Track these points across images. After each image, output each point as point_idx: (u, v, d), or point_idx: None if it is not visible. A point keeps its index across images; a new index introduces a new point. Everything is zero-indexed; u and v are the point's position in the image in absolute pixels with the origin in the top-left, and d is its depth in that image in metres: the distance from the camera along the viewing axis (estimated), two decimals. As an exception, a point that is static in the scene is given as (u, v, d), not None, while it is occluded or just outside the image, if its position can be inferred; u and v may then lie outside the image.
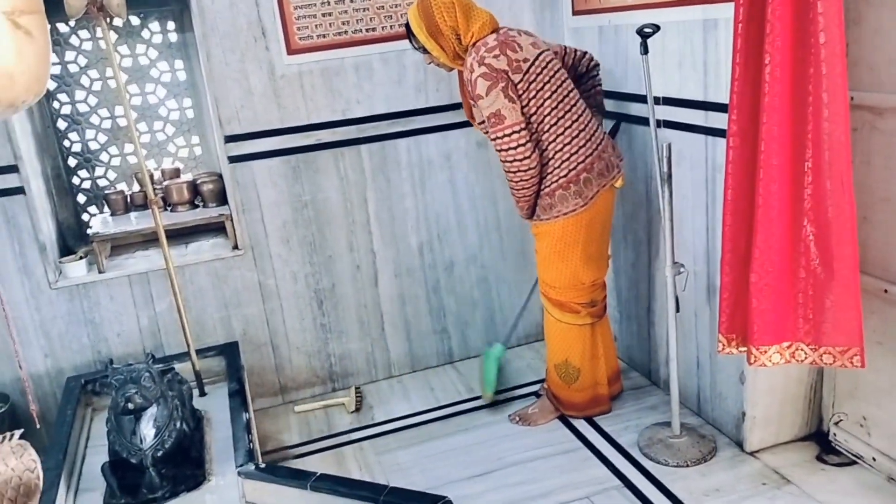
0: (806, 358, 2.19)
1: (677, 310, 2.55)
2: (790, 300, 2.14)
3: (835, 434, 2.56)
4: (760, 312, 2.15)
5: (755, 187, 2.08)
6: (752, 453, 2.58)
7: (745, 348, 2.28)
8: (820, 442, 2.60)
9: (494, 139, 2.56)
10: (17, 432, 1.39)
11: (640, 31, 2.35)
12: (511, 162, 2.56)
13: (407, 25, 2.66)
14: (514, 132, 2.52)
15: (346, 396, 3.28)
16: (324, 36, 3.02)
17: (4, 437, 1.36)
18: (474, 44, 2.56)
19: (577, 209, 2.60)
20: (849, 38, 2.09)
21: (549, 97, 2.55)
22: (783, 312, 2.15)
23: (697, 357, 2.77)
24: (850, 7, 2.11)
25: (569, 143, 2.57)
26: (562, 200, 2.61)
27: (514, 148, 2.53)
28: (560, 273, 2.72)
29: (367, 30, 3.06)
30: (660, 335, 3.01)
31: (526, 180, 2.60)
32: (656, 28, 2.35)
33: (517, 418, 2.96)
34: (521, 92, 2.53)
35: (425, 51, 2.65)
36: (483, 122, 2.61)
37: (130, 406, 2.22)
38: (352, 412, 3.19)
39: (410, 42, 2.70)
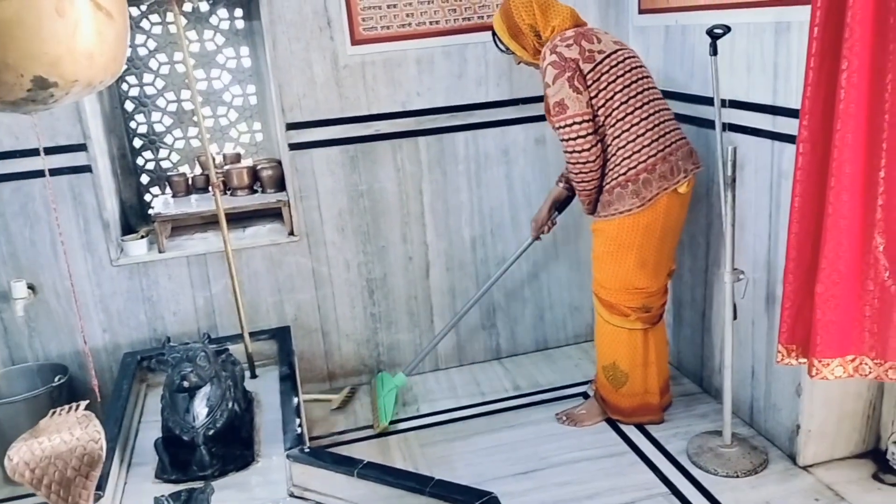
0: (870, 372, 2.12)
1: (735, 317, 2.50)
2: (856, 312, 2.08)
3: (893, 452, 2.48)
4: (825, 324, 2.09)
5: (825, 195, 2.02)
6: (805, 467, 2.52)
7: (805, 360, 2.23)
8: (877, 460, 2.53)
9: (557, 128, 2.57)
10: (83, 403, 1.43)
11: (710, 32, 2.31)
12: (571, 153, 2.57)
13: (493, 30, 2.73)
14: (575, 122, 2.51)
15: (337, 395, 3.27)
16: (388, 28, 3.04)
17: (70, 408, 1.41)
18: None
19: (633, 209, 2.55)
20: (932, 45, 2.01)
21: (620, 91, 2.51)
22: (848, 325, 2.09)
23: (752, 366, 2.71)
24: (934, 13, 2.04)
25: (633, 140, 2.53)
26: (619, 199, 2.57)
27: (575, 139, 2.53)
28: (612, 274, 2.68)
29: (430, 22, 3.07)
30: (714, 342, 2.96)
31: (585, 172, 2.59)
32: (727, 29, 2.30)
33: (564, 417, 2.94)
34: (590, 83, 2.51)
35: (511, 51, 2.71)
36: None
37: (185, 384, 2.27)
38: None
39: (497, 46, 2.78)
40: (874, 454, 2.55)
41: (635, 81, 2.54)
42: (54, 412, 1.51)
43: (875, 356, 2.11)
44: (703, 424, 2.82)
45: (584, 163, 2.55)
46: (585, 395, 3.12)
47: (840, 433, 2.53)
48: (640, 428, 2.85)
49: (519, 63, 2.79)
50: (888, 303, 2.04)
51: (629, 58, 2.56)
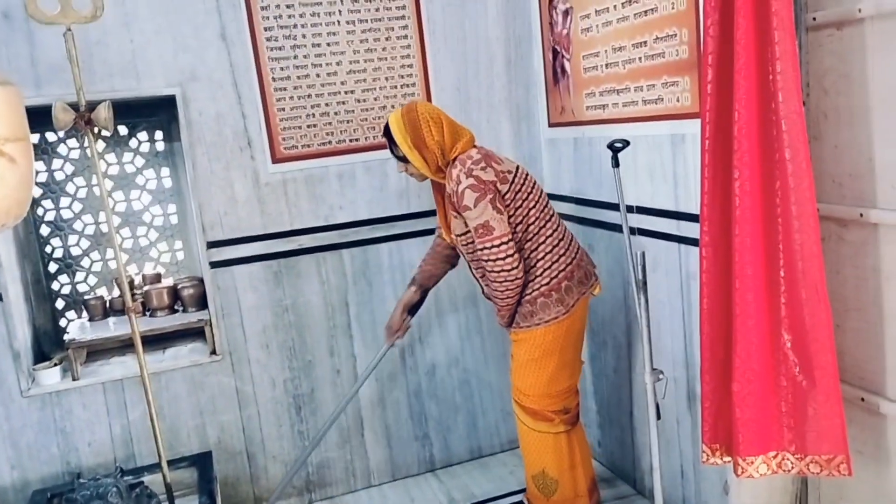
0: (793, 468, 2.15)
1: (658, 417, 2.52)
2: (773, 409, 2.13)
3: (824, 546, 2.50)
4: (744, 422, 2.13)
5: (731, 297, 2.11)
6: (741, 568, 2.51)
7: (729, 458, 2.25)
8: (810, 555, 2.53)
9: (482, 249, 2.54)
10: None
11: (610, 146, 2.44)
12: (499, 272, 2.54)
13: (387, 132, 2.61)
14: (502, 243, 2.51)
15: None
16: (308, 146, 3.11)
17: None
18: (455, 158, 2.58)
19: (558, 317, 2.60)
20: (811, 154, 2.17)
21: (533, 207, 2.60)
22: (767, 421, 2.13)
23: (681, 466, 2.72)
24: (810, 125, 2.21)
25: (550, 251, 2.60)
26: (543, 308, 2.61)
27: (503, 258, 2.52)
28: (536, 380, 2.69)
29: (350, 140, 3.15)
30: (643, 442, 2.97)
31: (511, 290, 2.59)
32: (626, 143, 2.43)
33: None
34: (507, 202, 2.55)
35: (403, 160, 2.63)
36: (464, 233, 2.63)
37: (96, 524, 2.14)
38: None
39: (391, 149, 2.66)
40: (806, 548, 2.56)
41: (540, 196, 2.65)
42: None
43: (795, 451, 2.15)
44: (639, 528, 2.79)
45: (511, 280, 2.56)
46: (521, 505, 3.06)
47: (771, 529, 2.54)
48: (578, 536, 2.80)
49: (403, 171, 2.70)
50: (801, 398, 2.10)
51: (527, 174, 2.67)
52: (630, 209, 2.70)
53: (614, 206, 2.87)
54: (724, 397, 2.20)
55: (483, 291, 2.80)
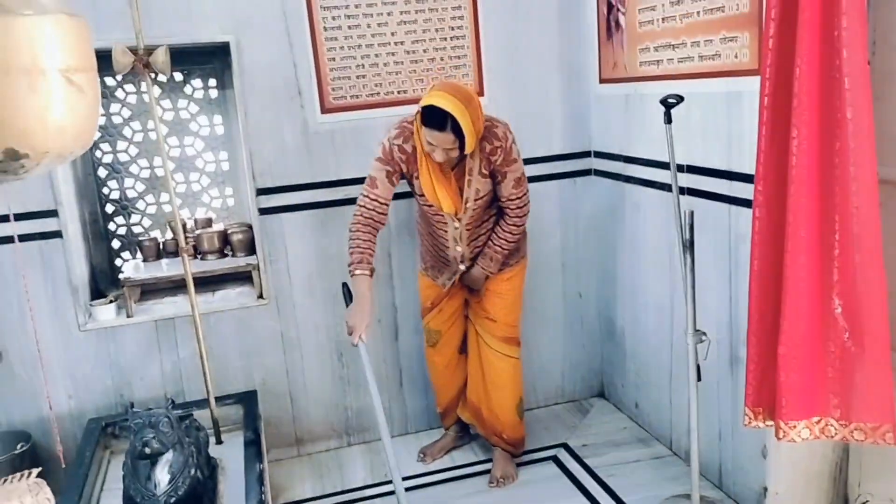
0: (836, 434, 2.13)
1: (699, 379, 2.52)
2: (819, 374, 2.10)
3: (862, 515, 2.48)
4: (789, 386, 2.10)
5: (783, 259, 2.06)
6: (774, 531, 2.51)
7: (771, 422, 2.23)
8: (846, 523, 2.52)
9: (519, 198, 2.74)
10: (35, 471, 1.41)
11: (664, 102, 2.39)
12: (525, 215, 2.79)
13: (453, 127, 2.46)
14: (528, 189, 2.77)
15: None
16: (357, 97, 3.12)
17: (23, 475, 1.38)
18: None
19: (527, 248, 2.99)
20: (873, 114, 2.10)
21: None
22: (812, 387, 2.11)
23: (719, 429, 2.71)
24: (874, 84, 2.13)
25: None
26: (523, 241, 2.94)
27: (528, 202, 2.78)
28: (520, 310, 2.99)
29: (398, 92, 3.15)
30: (680, 404, 2.96)
31: (524, 226, 2.84)
32: (680, 99, 2.38)
33: (498, 482, 2.95)
34: None
35: (455, 148, 2.53)
36: (486, 194, 2.71)
37: (147, 451, 2.23)
38: None
39: (448, 135, 2.48)
40: (843, 516, 2.55)
41: None
42: (5, 479, 1.48)
43: (840, 417, 2.12)
44: (673, 487, 2.80)
45: (527, 216, 2.80)
46: (554, 459, 3.09)
47: (808, 495, 2.52)
48: (611, 492, 2.82)
49: (443, 158, 2.55)
50: (849, 364, 2.06)
51: None
52: (680, 168, 2.65)
53: (662, 165, 2.82)
54: (770, 360, 2.18)
55: (462, 257, 2.83)
